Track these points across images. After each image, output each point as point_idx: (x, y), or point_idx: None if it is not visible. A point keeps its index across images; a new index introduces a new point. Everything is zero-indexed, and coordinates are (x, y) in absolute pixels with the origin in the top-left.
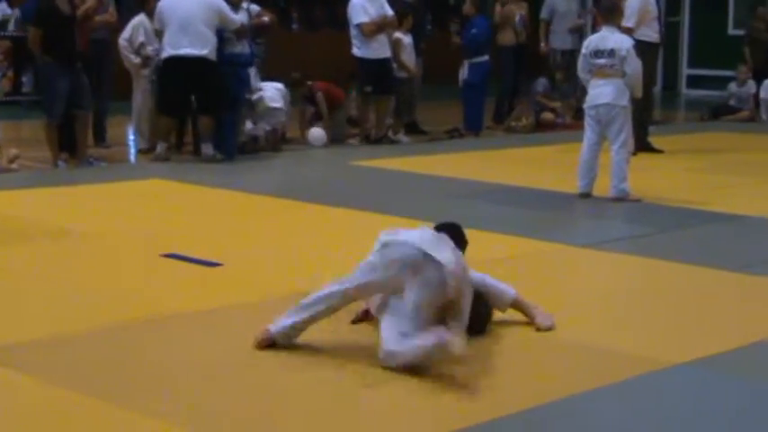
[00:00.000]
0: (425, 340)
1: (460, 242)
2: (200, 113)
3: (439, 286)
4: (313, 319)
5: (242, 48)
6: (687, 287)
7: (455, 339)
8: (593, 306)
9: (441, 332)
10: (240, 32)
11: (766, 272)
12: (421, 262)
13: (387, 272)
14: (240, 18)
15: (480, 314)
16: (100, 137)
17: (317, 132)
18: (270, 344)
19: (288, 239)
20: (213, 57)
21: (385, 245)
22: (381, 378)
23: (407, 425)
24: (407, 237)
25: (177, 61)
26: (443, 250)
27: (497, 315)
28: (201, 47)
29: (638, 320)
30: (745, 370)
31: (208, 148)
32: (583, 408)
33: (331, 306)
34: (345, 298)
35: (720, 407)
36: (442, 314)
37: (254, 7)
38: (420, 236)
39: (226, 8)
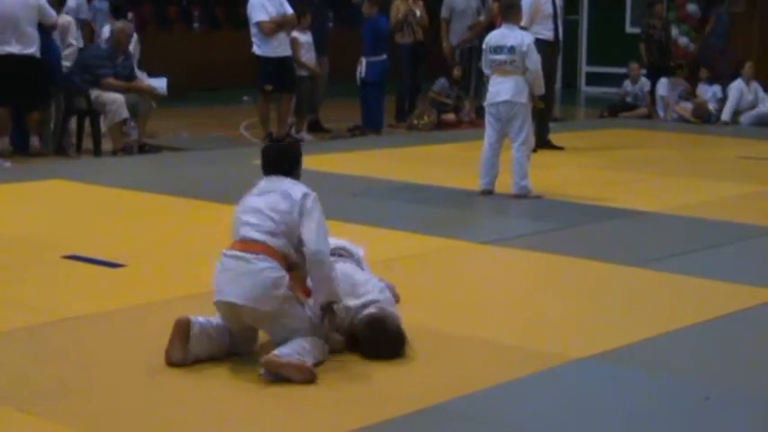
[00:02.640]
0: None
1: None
2: (31, 110)
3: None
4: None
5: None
6: (588, 282)
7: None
8: (495, 302)
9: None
10: (54, 27)
11: (666, 267)
12: (236, 309)
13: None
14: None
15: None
16: None
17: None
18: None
19: (191, 239)
20: (38, 54)
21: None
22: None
23: (310, 422)
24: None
25: (4, 59)
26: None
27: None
28: (29, 45)
29: (539, 316)
30: (646, 364)
31: (35, 141)
32: (484, 404)
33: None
34: None
35: (621, 400)
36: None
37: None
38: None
39: (44, 2)
